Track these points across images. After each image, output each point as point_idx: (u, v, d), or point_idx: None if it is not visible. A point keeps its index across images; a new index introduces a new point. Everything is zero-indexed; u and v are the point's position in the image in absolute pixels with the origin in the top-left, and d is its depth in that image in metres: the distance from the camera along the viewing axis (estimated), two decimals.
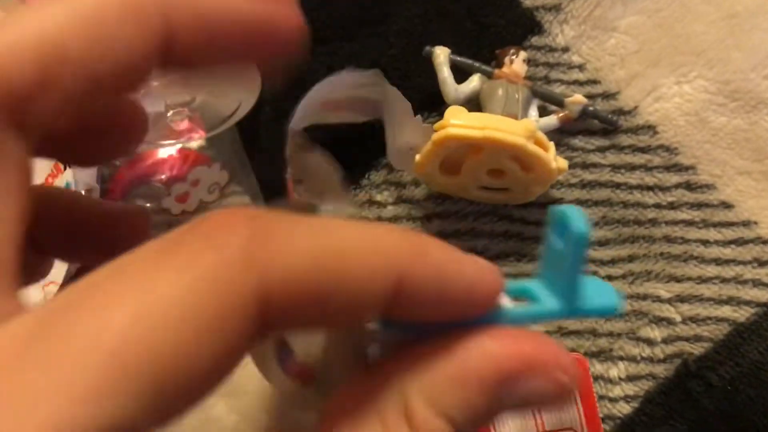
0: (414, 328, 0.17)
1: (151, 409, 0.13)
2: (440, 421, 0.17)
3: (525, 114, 0.37)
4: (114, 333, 0.13)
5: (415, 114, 0.40)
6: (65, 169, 0.39)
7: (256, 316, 0.14)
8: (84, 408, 0.12)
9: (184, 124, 0.43)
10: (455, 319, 0.17)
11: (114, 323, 0.13)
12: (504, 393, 0.17)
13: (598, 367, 0.34)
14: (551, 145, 0.35)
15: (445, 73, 0.38)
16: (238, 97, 0.42)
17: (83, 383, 0.12)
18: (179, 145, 0.45)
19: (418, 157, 0.36)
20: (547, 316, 0.19)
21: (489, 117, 0.34)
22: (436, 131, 0.34)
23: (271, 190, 0.42)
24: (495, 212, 0.38)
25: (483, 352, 0.17)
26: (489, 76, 0.38)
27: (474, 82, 0.38)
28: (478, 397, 0.17)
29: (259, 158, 0.43)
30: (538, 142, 0.34)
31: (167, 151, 0.45)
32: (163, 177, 0.45)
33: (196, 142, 0.45)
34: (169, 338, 0.13)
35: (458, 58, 0.39)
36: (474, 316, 0.17)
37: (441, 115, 0.34)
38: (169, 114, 0.42)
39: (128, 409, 0.13)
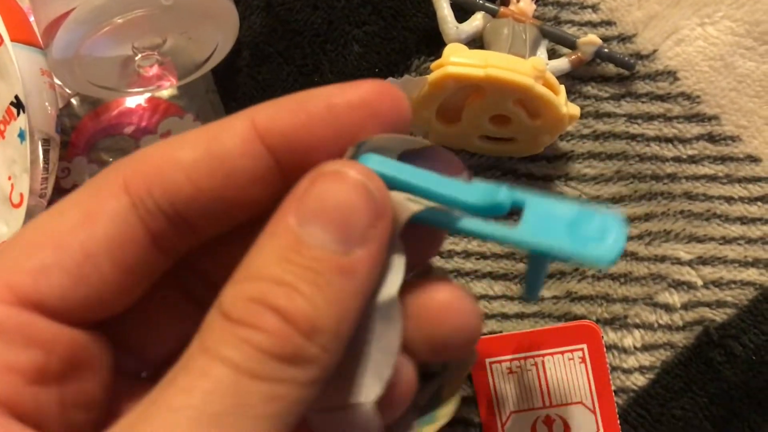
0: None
1: None
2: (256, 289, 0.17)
3: (533, 56, 0.34)
4: None
5: (411, 57, 0.37)
6: (18, 115, 0.35)
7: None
8: None
9: (154, 70, 0.39)
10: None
11: None
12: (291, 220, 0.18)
13: (611, 336, 0.31)
14: (562, 88, 0.31)
15: (444, 11, 0.34)
16: (213, 40, 0.38)
17: None
18: (148, 94, 0.41)
19: (413, 102, 0.32)
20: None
21: (492, 54, 0.31)
22: (432, 71, 0.31)
23: None
24: (499, 166, 0.34)
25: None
26: (493, 14, 0.34)
27: (477, 20, 0.34)
28: (279, 237, 0.18)
29: (236, 108, 0.39)
30: (547, 84, 0.31)
31: (135, 100, 0.41)
32: (131, 128, 0.41)
33: (167, 90, 0.41)
34: None
35: None
36: None
37: (440, 58, 0.31)
38: (137, 58, 0.38)
39: None
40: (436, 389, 0.25)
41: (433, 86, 0.31)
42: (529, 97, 0.30)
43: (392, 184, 0.20)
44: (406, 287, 0.19)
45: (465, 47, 0.31)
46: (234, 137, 0.19)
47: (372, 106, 0.19)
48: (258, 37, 0.39)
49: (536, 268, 0.21)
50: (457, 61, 0.30)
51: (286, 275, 0.17)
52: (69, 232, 0.18)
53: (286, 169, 0.19)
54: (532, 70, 0.30)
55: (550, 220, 0.20)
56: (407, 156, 0.21)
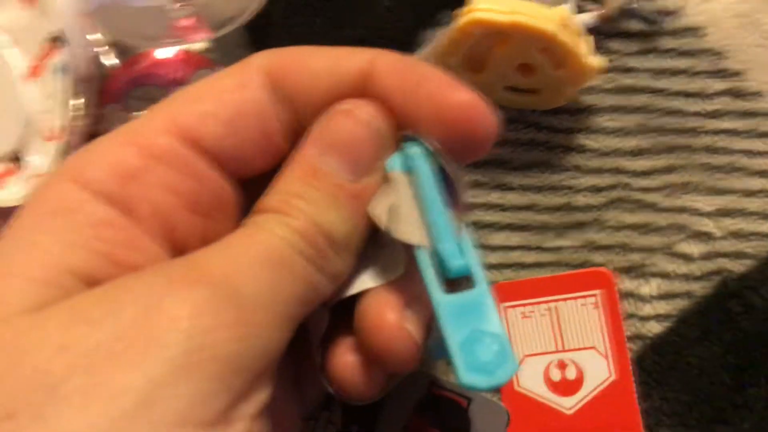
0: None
1: None
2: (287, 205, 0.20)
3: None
4: None
5: (441, 12, 0.37)
6: (57, 50, 0.36)
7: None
8: None
9: (188, 22, 0.40)
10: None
11: None
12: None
13: (627, 284, 0.31)
14: (588, 39, 0.32)
15: None
16: None
17: None
18: (182, 46, 0.42)
19: (439, 49, 0.33)
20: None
21: (519, 2, 0.31)
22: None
23: None
24: (521, 119, 0.35)
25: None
26: None
27: None
28: (297, 173, 0.21)
29: None
30: (572, 34, 0.31)
31: (168, 51, 0.42)
32: (163, 79, 0.42)
33: (200, 43, 0.42)
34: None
35: None
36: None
37: None
38: (172, 8, 0.39)
39: None
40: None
41: (459, 32, 0.31)
42: (554, 45, 0.31)
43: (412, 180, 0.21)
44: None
45: None
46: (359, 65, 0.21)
47: (470, 122, 0.21)
48: None
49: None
50: (484, 6, 0.31)
51: (308, 193, 0.20)
52: (227, 91, 0.21)
53: None
54: (558, 17, 0.31)
55: (469, 319, 0.19)
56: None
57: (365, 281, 0.21)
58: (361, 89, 0.21)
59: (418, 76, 0.21)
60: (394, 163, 0.21)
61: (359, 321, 0.21)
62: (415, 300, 0.21)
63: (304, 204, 0.20)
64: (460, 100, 0.20)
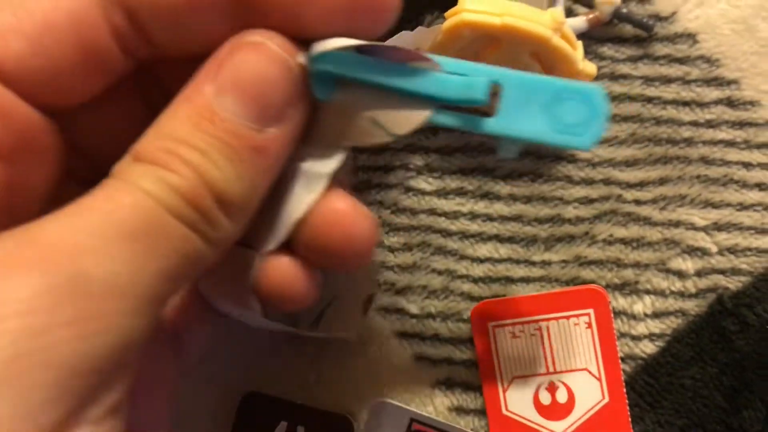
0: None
1: None
2: (168, 142, 0.17)
3: None
4: None
5: (425, 13, 0.35)
6: None
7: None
8: None
9: None
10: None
11: None
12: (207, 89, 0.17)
13: (620, 302, 0.30)
14: (579, 44, 0.30)
15: None
16: None
17: None
18: None
19: (427, 51, 0.31)
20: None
21: (510, 3, 0.29)
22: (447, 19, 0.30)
23: None
24: None
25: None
26: None
27: None
28: (188, 105, 0.17)
29: None
30: (564, 38, 0.30)
31: None
32: None
33: None
34: None
35: None
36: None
37: None
38: None
39: None
40: (322, 309, 0.27)
41: (447, 35, 0.30)
42: (546, 49, 0.29)
43: (355, 80, 0.20)
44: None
45: None
46: None
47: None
48: None
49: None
50: (473, 8, 0.29)
51: (198, 141, 0.16)
52: None
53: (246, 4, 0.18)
54: (551, 21, 0.29)
55: (527, 104, 0.21)
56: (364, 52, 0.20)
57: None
58: None
59: None
60: (321, 90, 0.19)
61: (313, 219, 0.19)
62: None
63: (191, 154, 0.16)
64: None
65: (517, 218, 0.32)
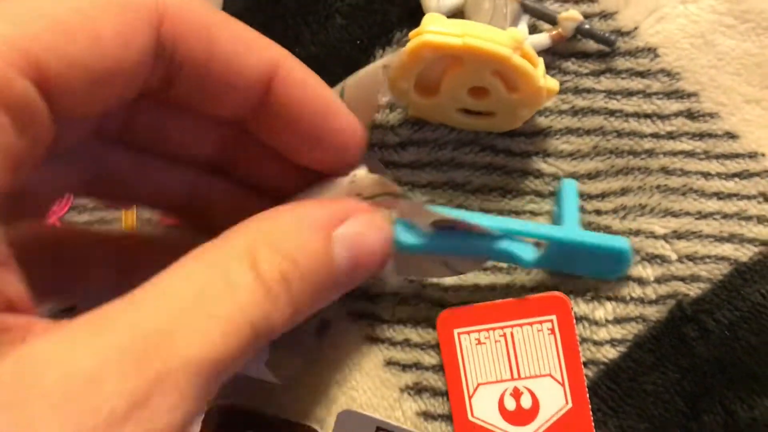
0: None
1: None
2: (285, 262, 0.20)
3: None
4: None
5: (393, 30, 0.37)
6: None
7: (154, 31, 0.20)
8: None
9: None
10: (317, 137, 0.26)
11: None
12: (334, 235, 0.22)
13: (582, 308, 0.31)
14: (540, 60, 0.31)
15: None
16: None
17: None
18: None
19: (392, 72, 0.32)
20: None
21: (471, 24, 0.30)
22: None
23: None
24: (477, 141, 0.34)
25: (316, 205, 0.23)
26: None
27: None
28: (315, 240, 0.21)
29: None
30: (525, 56, 0.31)
31: None
32: None
33: None
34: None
35: None
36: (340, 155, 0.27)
37: None
38: None
39: None
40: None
41: (410, 55, 0.31)
42: (507, 67, 0.30)
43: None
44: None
45: (444, 17, 0.31)
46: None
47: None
48: (241, 12, 0.39)
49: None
50: (435, 29, 0.30)
51: (308, 274, 0.21)
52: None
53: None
54: (510, 40, 0.30)
55: (567, 254, 0.29)
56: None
57: None
58: (263, 87, 0.23)
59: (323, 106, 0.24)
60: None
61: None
62: None
63: (297, 284, 0.20)
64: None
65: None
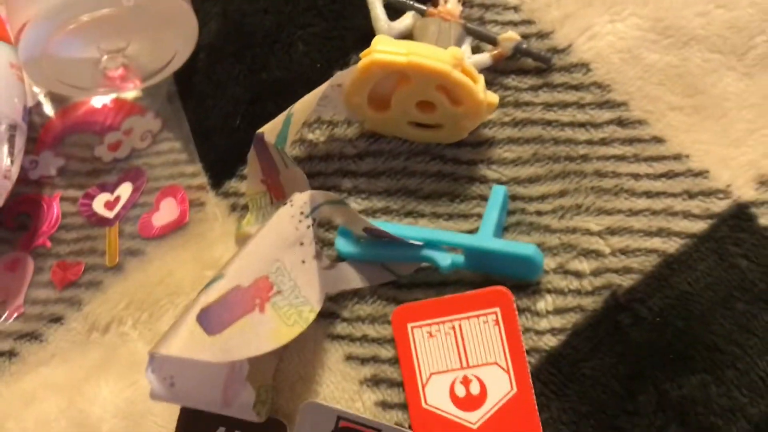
0: None
1: None
2: None
3: None
4: None
5: (350, 54, 0.40)
6: None
7: None
8: None
9: (119, 72, 0.42)
10: None
11: None
12: None
13: (525, 300, 0.33)
14: (480, 77, 0.34)
15: (377, 10, 0.38)
16: (174, 45, 0.41)
17: None
18: (114, 94, 0.44)
19: (346, 90, 0.35)
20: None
21: (415, 44, 0.34)
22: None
23: (202, 135, 0.41)
24: (428, 151, 0.37)
25: None
26: (422, 13, 0.38)
27: (407, 19, 0.38)
28: None
29: (193, 105, 0.42)
30: (466, 73, 0.34)
31: (101, 99, 0.44)
32: (96, 126, 0.44)
33: (131, 92, 0.44)
34: None
35: None
36: None
37: None
38: (103, 59, 0.41)
39: None
40: None
41: (361, 73, 0.34)
42: (449, 82, 0.33)
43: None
44: None
45: (391, 38, 0.34)
46: None
47: None
48: (214, 40, 0.42)
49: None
50: (382, 49, 0.33)
51: None
52: None
53: None
54: (450, 58, 0.33)
55: (484, 258, 0.33)
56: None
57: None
58: None
59: None
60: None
61: None
62: None
63: None
64: None
65: None
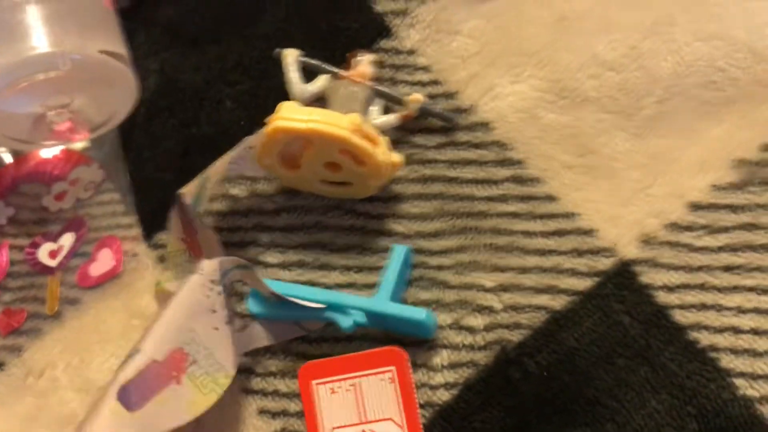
0: None
1: None
2: None
3: (365, 112, 0.38)
4: None
5: (269, 112, 0.42)
6: None
7: None
8: None
9: (66, 125, 0.45)
10: None
11: None
12: None
13: (421, 356, 0.35)
14: (382, 139, 0.36)
15: (291, 74, 0.40)
16: (116, 101, 0.44)
17: None
18: (62, 146, 0.46)
19: (256, 151, 0.37)
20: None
21: (317, 110, 0.35)
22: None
23: (138, 187, 0.43)
24: (341, 206, 0.39)
25: None
26: (335, 76, 0.40)
27: (320, 82, 0.40)
28: None
29: (132, 156, 0.44)
30: (366, 136, 0.36)
31: (51, 150, 0.47)
32: (45, 176, 0.46)
33: (79, 143, 0.46)
34: None
35: (309, 60, 0.40)
36: None
37: None
38: (49, 114, 0.43)
39: None
40: None
41: (267, 137, 0.36)
42: (349, 147, 0.35)
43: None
44: None
45: (297, 105, 0.36)
46: None
47: None
48: (152, 96, 0.45)
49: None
50: (284, 115, 0.35)
51: None
52: None
53: None
54: (349, 124, 0.35)
55: (380, 319, 0.35)
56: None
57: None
58: None
59: None
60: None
61: None
62: None
63: None
64: None
65: (350, 285, 0.37)
